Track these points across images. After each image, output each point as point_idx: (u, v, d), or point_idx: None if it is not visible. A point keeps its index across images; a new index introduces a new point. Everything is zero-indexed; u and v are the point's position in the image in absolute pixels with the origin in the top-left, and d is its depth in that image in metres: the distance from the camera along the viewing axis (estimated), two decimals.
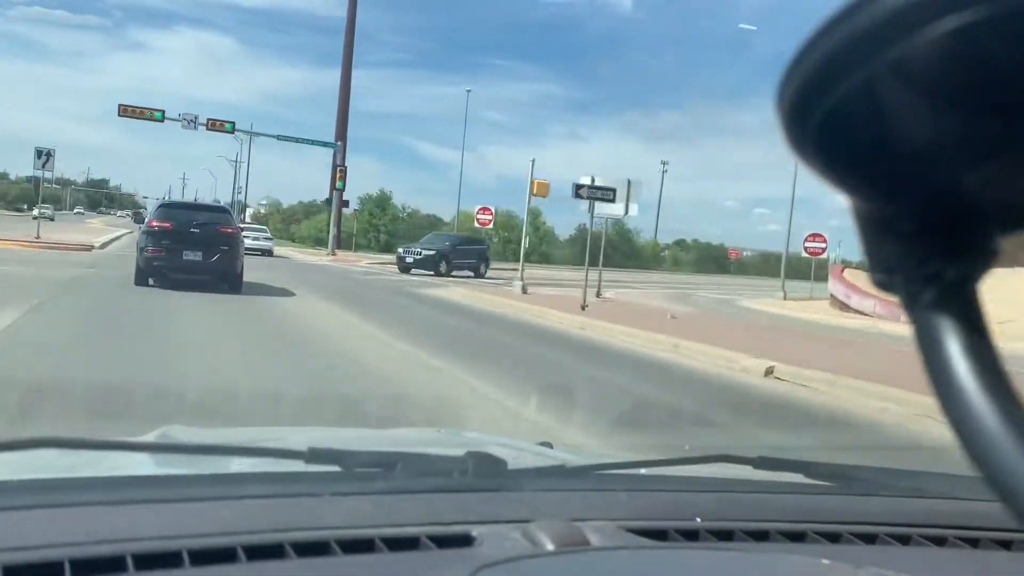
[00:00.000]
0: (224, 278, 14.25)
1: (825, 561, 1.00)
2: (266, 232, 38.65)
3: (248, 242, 35.43)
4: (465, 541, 1.02)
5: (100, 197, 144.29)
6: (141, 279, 13.95)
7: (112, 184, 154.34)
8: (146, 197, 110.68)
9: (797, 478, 1.39)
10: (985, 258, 0.33)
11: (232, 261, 14.35)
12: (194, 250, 13.99)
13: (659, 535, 1.10)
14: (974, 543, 1.19)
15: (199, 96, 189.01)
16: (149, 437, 1.74)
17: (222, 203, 36.38)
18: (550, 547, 0.99)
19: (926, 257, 0.33)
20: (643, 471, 1.47)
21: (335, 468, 1.17)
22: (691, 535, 1.12)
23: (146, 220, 15.37)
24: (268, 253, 34.92)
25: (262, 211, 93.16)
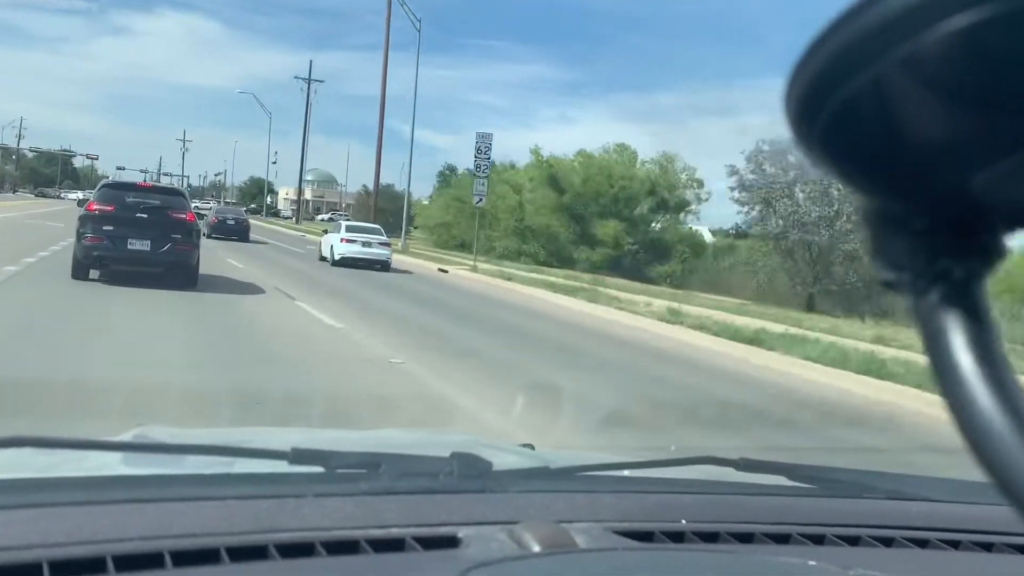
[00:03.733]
0: (177, 271, 12.60)
1: (812, 563, 1.00)
2: (381, 234, 25.54)
3: (350, 249, 22.92)
4: (451, 543, 1.01)
5: (55, 173, 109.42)
6: (80, 272, 12.15)
7: (80, 157, 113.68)
8: (121, 168, 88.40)
9: (780, 480, 1.39)
10: (992, 256, 0.33)
11: (186, 252, 12.65)
12: (142, 239, 12.20)
13: (645, 537, 1.10)
14: (955, 545, 1.20)
15: (185, 81, 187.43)
16: (126, 436, 1.71)
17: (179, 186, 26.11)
18: (537, 549, 0.99)
19: (935, 255, 0.32)
20: (627, 473, 1.47)
21: (319, 469, 1.16)
22: (676, 537, 1.12)
23: (86, 203, 13.28)
24: (386, 267, 24.09)
25: (308, 193, 75.52)
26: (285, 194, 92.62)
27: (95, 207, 12.43)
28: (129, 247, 12.14)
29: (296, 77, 62.37)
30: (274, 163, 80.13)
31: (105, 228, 12.08)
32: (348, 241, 24.44)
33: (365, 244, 24.40)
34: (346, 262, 23.67)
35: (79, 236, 12.14)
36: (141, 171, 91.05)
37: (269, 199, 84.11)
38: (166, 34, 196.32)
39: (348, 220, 32.30)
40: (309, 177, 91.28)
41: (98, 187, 14.02)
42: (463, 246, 37.90)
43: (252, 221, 40.82)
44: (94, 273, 12.21)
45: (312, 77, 62.47)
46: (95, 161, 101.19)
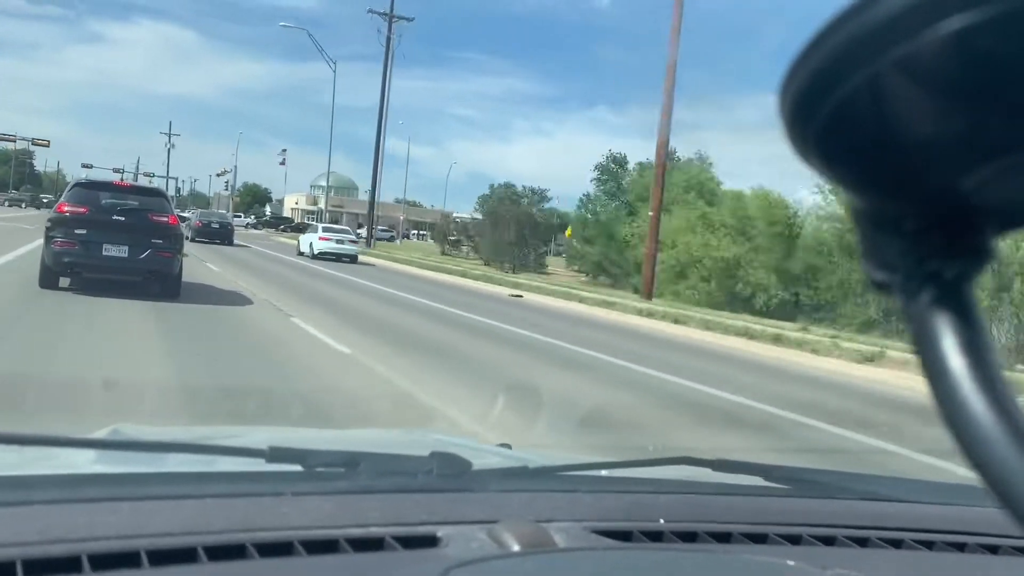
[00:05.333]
0: (156, 279, 11.66)
1: (790, 562, 1.01)
2: (350, 233, 32.24)
3: (327, 245, 29.08)
4: (431, 542, 1.01)
5: (7, 175, 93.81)
6: (48, 280, 11.17)
7: (42, 157, 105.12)
8: (87, 166, 73.21)
9: (756, 480, 1.40)
10: (983, 257, 0.33)
11: (167, 260, 11.62)
12: (118, 244, 11.23)
13: (624, 536, 1.11)
14: (929, 545, 1.21)
15: (158, 91, 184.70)
16: (100, 434, 1.69)
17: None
18: (516, 548, 0.99)
19: (926, 256, 0.33)
20: (605, 472, 1.48)
21: (297, 467, 1.15)
22: (655, 536, 1.12)
23: (56, 204, 12.21)
24: (353, 260, 29.53)
25: (323, 202, 56.97)
26: (295, 203, 76.48)
27: (66, 208, 11.38)
28: (104, 253, 11.19)
29: (371, 11, 41.96)
30: (282, 164, 67.36)
31: (77, 232, 11.08)
32: (325, 239, 30.31)
33: (338, 241, 30.35)
34: (324, 255, 29.13)
35: (48, 240, 11.18)
36: (114, 170, 73.55)
37: (269, 209, 66.70)
38: (142, 42, 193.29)
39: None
40: (323, 183, 72.73)
41: (69, 186, 12.70)
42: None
43: (284, 240, 40.89)
44: (64, 281, 11.29)
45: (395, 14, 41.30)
46: (41, 147, 79.82)
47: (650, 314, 17.33)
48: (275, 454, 1.14)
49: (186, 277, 12.61)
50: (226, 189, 75.34)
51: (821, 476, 1.54)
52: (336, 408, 6.04)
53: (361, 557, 0.97)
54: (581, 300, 20.15)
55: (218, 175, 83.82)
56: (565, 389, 7.69)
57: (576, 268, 39.35)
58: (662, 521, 1.15)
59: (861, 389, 10.15)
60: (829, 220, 23.32)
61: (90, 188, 12.16)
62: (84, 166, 74.47)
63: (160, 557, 0.90)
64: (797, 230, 24.21)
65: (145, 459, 1.36)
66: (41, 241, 11.68)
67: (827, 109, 0.31)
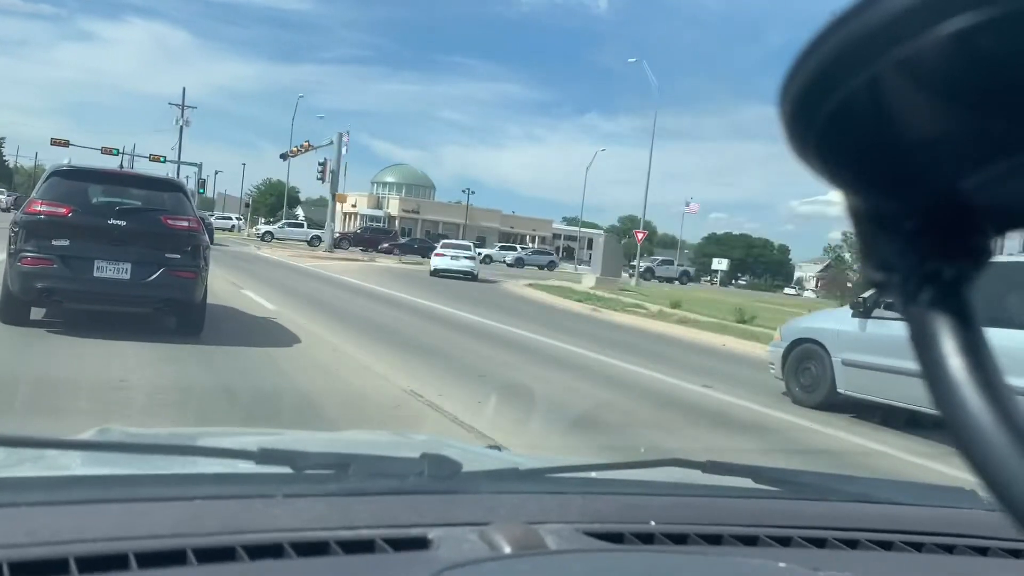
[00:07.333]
0: (171, 310, 8.23)
1: (781, 564, 1.01)
2: (470, 250, 29.87)
3: (442, 262, 26.95)
4: (422, 544, 1.01)
5: None
6: (13, 312, 7.79)
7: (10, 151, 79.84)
8: (60, 142, 48.32)
9: (746, 482, 1.40)
10: (981, 258, 0.33)
11: (188, 282, 8.01)
12: (116, 260, 7.77)
13: (614, 538, 1.11)
14: (918, 547, 1.22)
15: (148, 90, 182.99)
16: (87, 435, 1.68)
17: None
18: (507, 550, 0.98)
19: (925, 256, 0.33)
20: (596, 474, 1.48)
21: (287, 469, 1.15)
22: (646, 538, 1.12)
23: (26, 201, 8.32)
24: (472, 277, 27.63)
25: (394, 206, 42.72)
26: (352, 204, 52.56)
27: (40, 208, 7.79)
28: (96, 274, 7.71)
29: None
30: (345, 139, 47.40)
31: (56, 243, 7.65)
32: (440, 255, 28.45)
33: (453, 258, 28.32)
34: (440, 273, 27.41)
35: (14, 256, 7.67)
36: (103, 150, 48.70)
37: (301, 212, 43.61)
38: (133, 41, 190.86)
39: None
40: (389, 178, 54.53)
41: (45, 175, 8.55)
42: None
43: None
44: (37, 312, 8.05)
45: None
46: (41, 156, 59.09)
47: None
48: (265, 456, 1.14)
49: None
50: (319, 177, 45.39)
51: (811, 478, 1.54)
52: None
53: (351, 559, 0.96)
54: None
55: (283, 156, 51.31)
56: None
57: None
58: (653, 523, 1.15)
59: None
60: None
61: (75, 179, 8.42)
62: (55, 142, 48.52)
63: (148, 559, 0.89)
64: None
65: (133, 460, 1.35)
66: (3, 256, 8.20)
67: (827, 110, 0.31)
